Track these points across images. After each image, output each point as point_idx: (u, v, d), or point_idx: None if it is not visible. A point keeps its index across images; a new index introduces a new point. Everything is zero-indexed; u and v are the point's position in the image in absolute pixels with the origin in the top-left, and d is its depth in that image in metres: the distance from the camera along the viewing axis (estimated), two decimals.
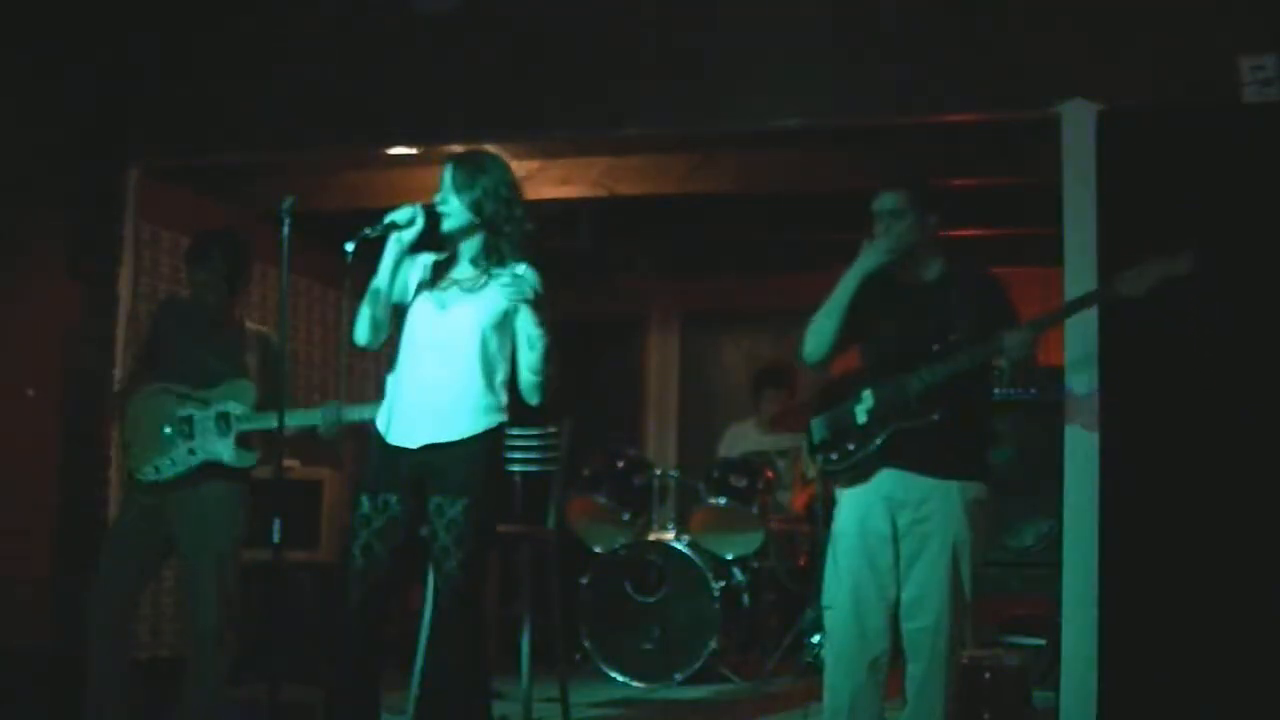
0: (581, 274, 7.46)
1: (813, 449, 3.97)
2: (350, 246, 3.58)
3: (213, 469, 4.27)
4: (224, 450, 4.24)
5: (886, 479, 3.75)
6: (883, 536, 3.74)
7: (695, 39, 4.86)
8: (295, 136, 5.31)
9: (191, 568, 4.28)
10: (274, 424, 3.97)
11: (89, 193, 5.39)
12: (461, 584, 3.61)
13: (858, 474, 3.80)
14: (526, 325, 3.70)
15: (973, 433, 3.78)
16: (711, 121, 5.00)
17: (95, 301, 5.33)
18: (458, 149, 4.11)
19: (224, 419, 4.24)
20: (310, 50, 5.25)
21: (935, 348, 3.70)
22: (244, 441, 4.27)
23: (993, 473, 3.82)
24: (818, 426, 3.93)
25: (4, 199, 5.13)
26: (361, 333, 3.79)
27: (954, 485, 3.70)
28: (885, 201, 3.83)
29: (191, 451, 4.26)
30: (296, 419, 4.15)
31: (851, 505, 3.82)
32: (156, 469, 4.28)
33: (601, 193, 6.13)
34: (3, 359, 5.13)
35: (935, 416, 3.66)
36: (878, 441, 3.74)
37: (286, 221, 3.58)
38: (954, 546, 3.67)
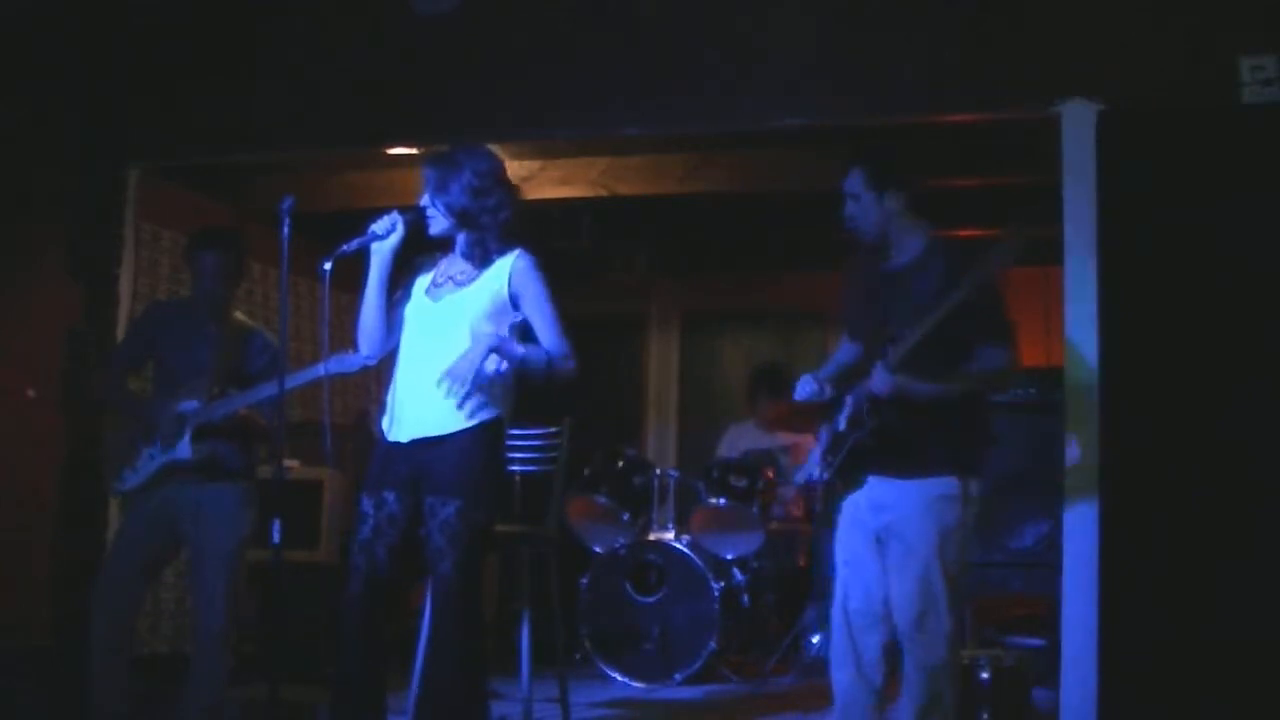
0: (581, 274, 7.45)
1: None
2: (328, 265, 3.56)
3: (211, 469, 4.27)
4: (181, 449, 4.23)
5: (869, 485, 3.79)
6: (866, 542, 3.78)
7: (695, 39, 4.85)
8: (295, 136, 5.30)
9: (198, 567, 4.27)
10: (217, 415, 4.14)
11: (89, 193, 5.38)
12: (456, 585, 3.59)
13: (847, 482, 3.83)
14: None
15: (931, 428, 3.65)
16: (711, 122, 5.00)
17: (95, 301, 5.33)
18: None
19: (180, 418, 4.24)
20: (310, 51, 5.24)
21: (889, 347, 3.59)
22: (203, 435, 4.24)
23: (988, 469, 3.78)
24: (823, 436, 3.93)
25: (4, 199, 5.13)
26: (362, 343, 3.80)
27: (912, 485, 3.68)
28: (849, 183, 3.76)
29: (152, 456, 4.27)
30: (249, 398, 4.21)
31: (845, 512, 3.87)
32: (124, 479, 4.30)
33: (601, 193, 6.12)
34: (3, 359, 5.13)
35: (876, 422, 3.63)
36: (846, 447, 3.75)
37: (286, 221, 3.57)
38: (922, 546, 3.66)
